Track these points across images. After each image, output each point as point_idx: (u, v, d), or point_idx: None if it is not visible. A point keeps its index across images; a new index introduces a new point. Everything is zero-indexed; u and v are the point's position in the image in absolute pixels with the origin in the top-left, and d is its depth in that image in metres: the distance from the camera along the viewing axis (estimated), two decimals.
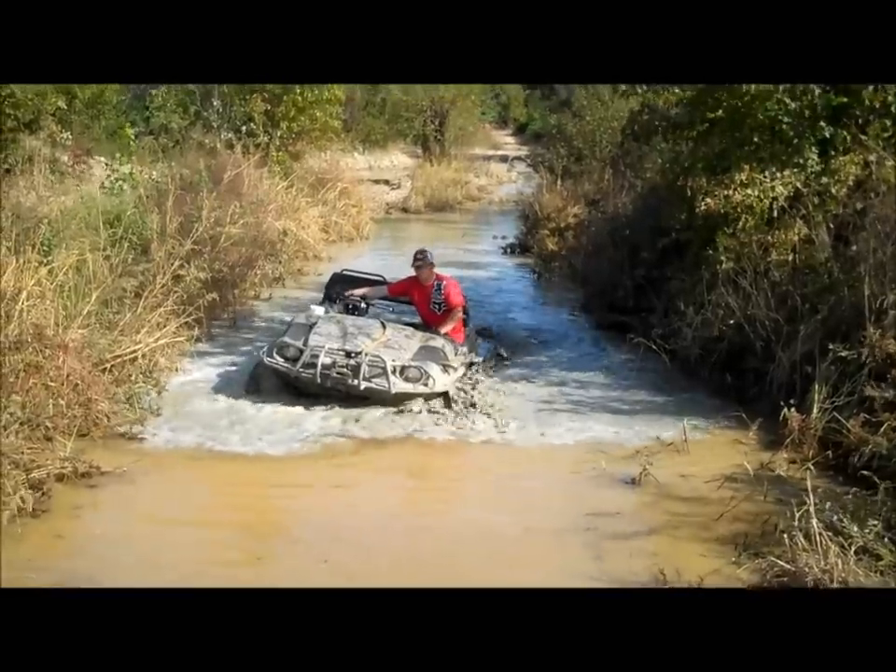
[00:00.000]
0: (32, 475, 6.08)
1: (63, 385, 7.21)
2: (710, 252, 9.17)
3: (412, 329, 8.96)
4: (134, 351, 8.50)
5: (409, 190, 24.06)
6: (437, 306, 9.19)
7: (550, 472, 7.20)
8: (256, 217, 12.94)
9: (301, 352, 8.18)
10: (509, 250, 17.78)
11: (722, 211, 8.90)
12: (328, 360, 8.05)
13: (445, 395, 8.20)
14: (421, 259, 9.18)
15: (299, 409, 8.06)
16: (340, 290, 9.61)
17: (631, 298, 11.11)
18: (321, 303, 9.44)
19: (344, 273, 10.23)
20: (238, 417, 7.89)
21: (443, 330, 8.92)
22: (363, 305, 9.36)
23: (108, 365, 8.10)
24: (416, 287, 9.33)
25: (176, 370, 8.97)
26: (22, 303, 7.79)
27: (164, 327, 9.03)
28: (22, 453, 6.19)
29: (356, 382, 7.96)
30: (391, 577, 5.26)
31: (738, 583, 5.16)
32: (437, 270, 9.41)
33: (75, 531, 5.99)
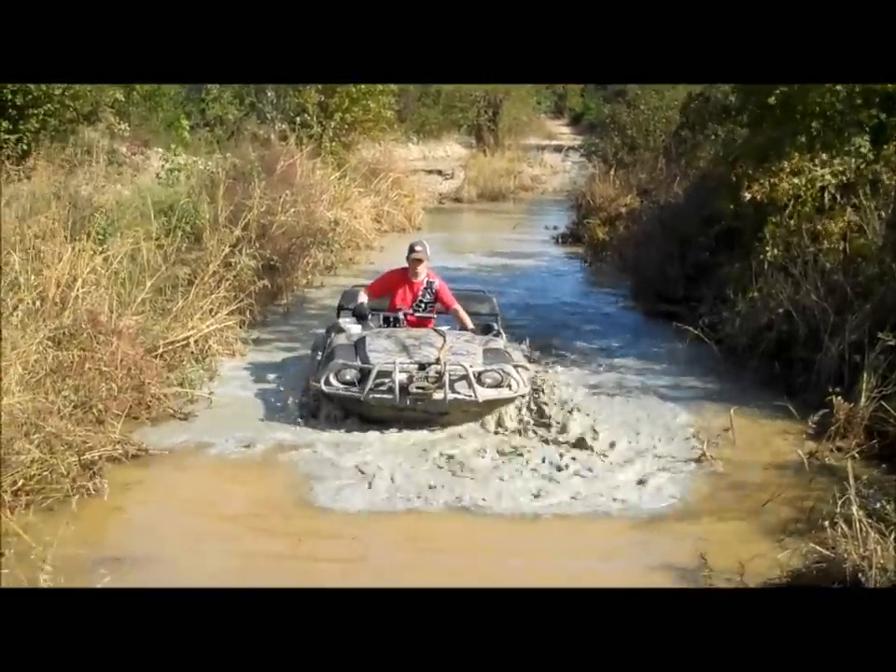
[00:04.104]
0: (84, 457, 6.22)
1: (116, 369, 7.35)
2: (759, 241, 9.13)
3: (465, 331, 8.36)
4: (187, 337, 8.65)
5: (462, 180, 24.08)
6: (421, 305, 8.51)
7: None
8: (307, 207, 13.08)
9: (365, 372, 7.40)
10: (560, 240, 17.76)
11: (769, 200, 8.84)
12: (403, 377, 7.27)
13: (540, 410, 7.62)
14: (419, 251, 8.43)
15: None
16: (362, 306, 8.51)
17: (680, 287, 11.10)
18: (340, 320, 8.68)
19: (355, 288, 9.38)
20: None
21: (470, 325, 8.45)
22: (401, 315, 8.45)
23: (161, 351, 8.24)
24: (402, 282, 8.54)
25: (232, 354, 9.12)
26: (77, 290, 7.96)
27: (216, 313, 9.16)
28: (76, 435, 6.32)
29: (440, 395, 7.22)
30: None
31: (778, 569, 5.16)
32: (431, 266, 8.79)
33: (125, 509, 6.15)
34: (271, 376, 8.67)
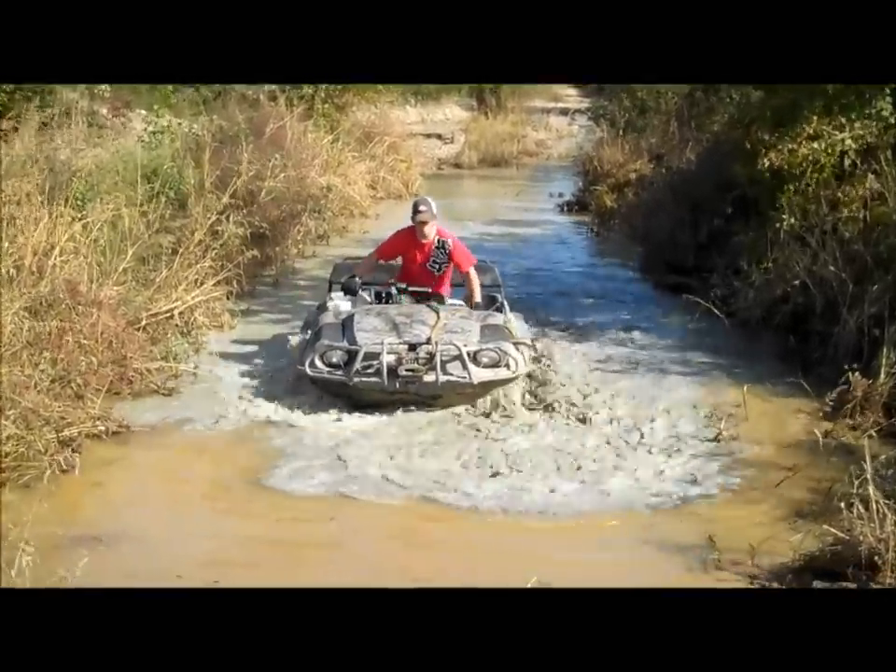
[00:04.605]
0: (63, 433, 6.25)
1: (96, 342, 7.38)
2: (776, 209, 9.13)
3: (461, 304, 8.24)
4: (171, 309, 8.68)
5: (462, 145, 24.02)
6: (436, 266, 8.32)
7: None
8: (298, 172, 13.08)
9: (352, 354, 7.32)
10: (566, 208, 17.72)
11: (786, 166, 8.83)
12: (391, 358, 7.21)
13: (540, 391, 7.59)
14: (423, 210, 8.15)
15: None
16: (352, 281, 8.36)
17: (691, 257, 11.10)
18: (331, 296, 8.60)
19: (348, 261, 9.40)
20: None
21: (478, 297, 8.25)
22: (394, 291, 8.32)
23: (144, 323, 8.27)
24: (411, 242, 8.33)
25: (219, 326, 9.18)
26: (55, 259, 7.99)
27: (202, 284, 9.19)
28: (54, 410, 6.35)
29: (432, 377, 7.15)
30: None
31: (791, 552, 5.19)
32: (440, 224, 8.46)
33: (104, 486, 6.20)
34: (259, 350, 8.70)
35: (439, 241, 8.26)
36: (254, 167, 11.56)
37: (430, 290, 8.32)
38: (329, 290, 8.87)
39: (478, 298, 8.26)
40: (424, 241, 8.25)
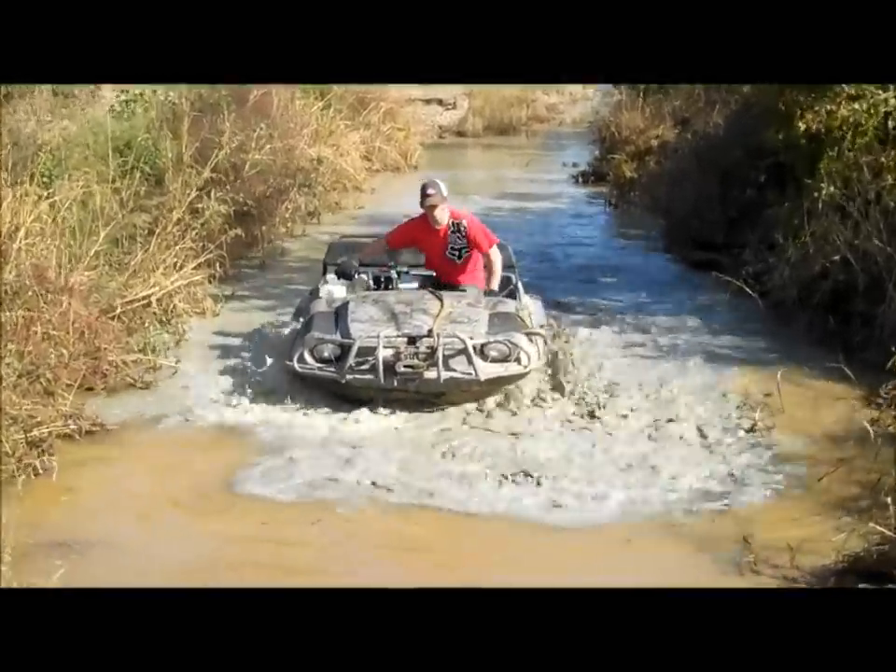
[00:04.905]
0: (32, 433, 6.26)
1: (67, 333, 7.38)
2: (813, 177, 9.12)
3: (471, 290, 8.11)
4: (148, 295, 8.70)
5: (465, 111, 24.05)
6: (456, 253, 8.17)
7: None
8: (286, 143, 13.08)
9: (345, 348, 7.25)
10: (580, 179, 17.78)
11: (825, 129, 8.83)
12: (388, 353, 7.12)
13: (559, 385, 7.51)
14: (432, 194, 8.03)
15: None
16: (348, 263, 8.42)
17: (721, 231, 11.12)
18: (326, 281, 8.51)
19: (343, 240, 9.52)
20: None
21: (496, 284, 8.16)
22: (394, 275, 8.29)
23: (119, 311, 8.28)
24: (425, 231, 8.21)
25: (201, 313, 9.24)
26: (20, 242, 7.97)
27: (182, 268, 9.21)
28: (21, 408, 6.36)
29: (434, 374, 7.05)
30: None
31: (833, 552, 5.20)
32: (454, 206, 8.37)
33: (77, 490, 6.20)
34: (245, 340, 8.69)
35: (453, 223, 8.12)
36: (237, 138, 11.55)
37: (450, 280, 8.21)
38: (324, 274, 8.75)
39: (496, 283, 8.16)
40: (437, 227, 8.12)
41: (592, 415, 7.20)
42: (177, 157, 10.73)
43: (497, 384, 7.30)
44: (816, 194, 8.94)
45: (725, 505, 6.06)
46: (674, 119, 16.56)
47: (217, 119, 11.70)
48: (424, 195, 8.05)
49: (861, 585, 4.89)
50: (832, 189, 8.82)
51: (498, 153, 21.17)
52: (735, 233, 10.74)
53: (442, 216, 8.08)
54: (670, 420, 7.17)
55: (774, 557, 5.31)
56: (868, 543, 5.17)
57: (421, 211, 8.21)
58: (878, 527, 5.14)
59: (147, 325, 8.41)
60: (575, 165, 18.53)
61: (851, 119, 8.83)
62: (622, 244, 13.20)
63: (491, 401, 7.37)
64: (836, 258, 8.59)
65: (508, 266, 8.66)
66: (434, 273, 8.33)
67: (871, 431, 6.43)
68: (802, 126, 8.98)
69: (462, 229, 8.10)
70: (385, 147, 18.19)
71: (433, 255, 8.27)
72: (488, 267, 8.22)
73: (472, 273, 8.26)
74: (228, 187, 10.83)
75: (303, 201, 13.38)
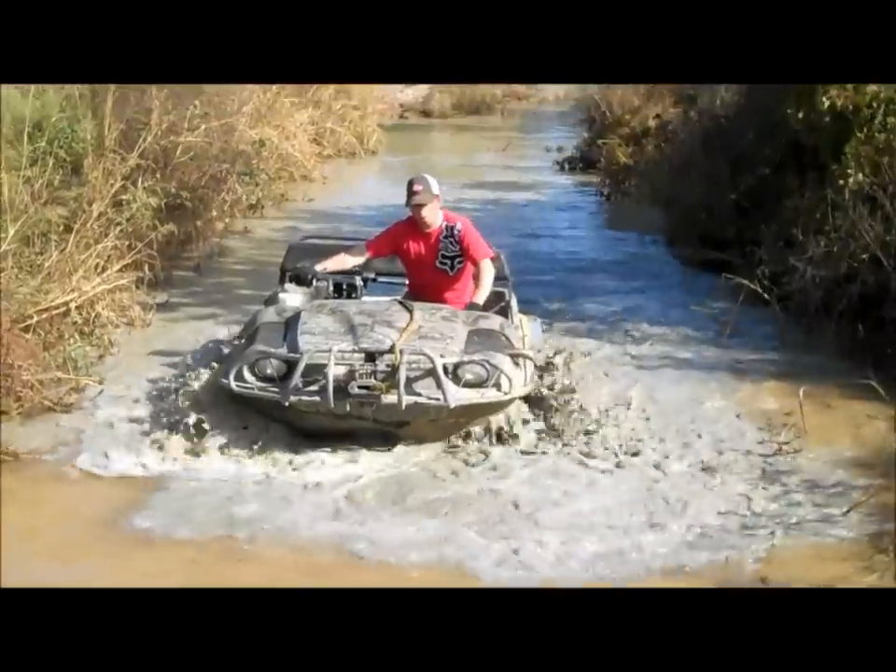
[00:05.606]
0: None
1: None
2: (839, 162, 9.24)
3: (447, 307, 7.80)
4: (66, 302, 8.69)
5: (430, 87, 24.11)
6: (448, 263, 7.94)
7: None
8: (223, 124, 13.11)
9: (291, 364, 6.99)
10: (567, 165, 17.93)
11: (852, 107, 8.93)
12: (341, 371, 6.90)
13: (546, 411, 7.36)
14: (418, 191, 7.81)
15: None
16: (305, 266, 8.20)
17: (731, 226, 11.28)
18: (284, 290, 8.35)
19: (307, 241, 9.46)
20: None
21: (481, 299, 7.83)
22: (359, 282, 8.23)
23: (33, 321, 8.28)
24: (411, 236, 8.00)
25: (129, 323, 9.29)
26: None
27: (105, 270, 9.24)
28: None
29: (393, 398, 6.78)
30: None
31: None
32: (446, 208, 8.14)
33: None
34: (180, 357, 8.65)
35: (446, 227, 7.93)
36: (167, 118, 11.62)
37: (437, 297, 7.96)
38: (281, 281, 8.62)
39: (482, 298, 7.87)
40: (427, 230, 7.94)
41: (592, 454, 7.10)
42: (98, 140, 10.75)
43: (472, 413, 7.09)
44: (842, 182, 9.06)
45: (738, 543, 6.07)
46: (675, 96, 16.67)
47: (143, 96, 11.73)
48: (410, 192, 7.83)
49: None
50: (860, 176, 8.92)
51: (470, 136, 21.32)
52: (747, 228, 10.87)
53: (434, 217, 7.91)
54: (678, 453, 7.20)
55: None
56: None
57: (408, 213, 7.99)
58: None
59: (66, 337, 8.42)
60: (560, 150, 18.69)
61: (882, 95, 8.92)
62: (616, 241, 13.31)
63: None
64: (865, 256, 8.69)
65: (500, 278, 8.46)
66: (406, 283, 8.26)
67: None
68: (826, 102, 9.07)
69: (456, 233, 7.90)
70: (337, 128, 18.27)
71: (421, 264, 8.03)
72: (476, 279, 7.95)
73: (464, 290, 8.04)
74: (157, 175, 10.92)
75: (244, 191, 13.40)
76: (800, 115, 9.93)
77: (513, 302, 8.47)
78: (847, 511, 6.31)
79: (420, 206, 7.80)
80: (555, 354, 8.33)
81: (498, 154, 18.74)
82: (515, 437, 7.20)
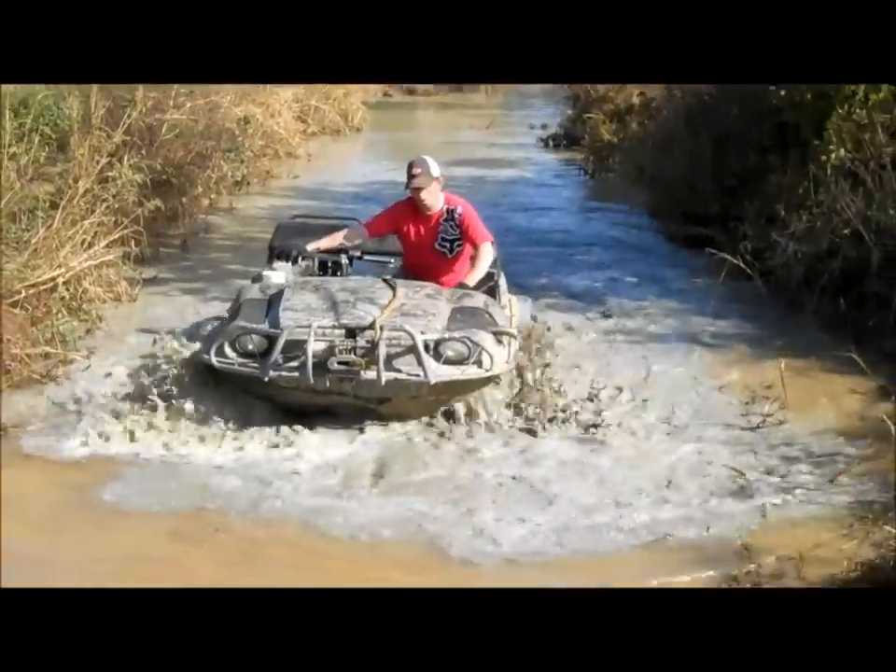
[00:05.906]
0: None
1: None
2: (821, 138, 9.30)
3: (431, 284, 7.76)
4: (54, 278, 8.74)
5: None
6: (447, 245, 7.92)
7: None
8: (208, 101, 13.14)
9: (271, 340, 6.98)
10: (551, 142, 17.96)
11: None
12: (321, 346, 6.90)
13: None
14: (417, 174, 7.76)
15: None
16: (294, 245, 8.27)
17: (715, 202, 11.32)
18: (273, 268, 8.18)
19: (296, 219, 9.39)
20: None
21: (472, 281, 7.79)
22: (344, 260, 8.27)
23: (21, 297, 8.33)
24: (411, 218, 7.97)
25: (117, 298, 9.35)
26: None
27: (92, 246, 9.28)
28: None
29: (373, 374, 6.80)
30: None
31: (844, 561, 5.38)
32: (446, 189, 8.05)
33: None
34: (168, 328, 8.70)
35: (447, 210, 7.88)
36: (152, 95, 11.64)
37: (433, 279, 7.90)
38: (270, 260, 8.54)
39: (474, 280, 7.83)
40: (428, 213, 7.89)
41: (587, 429, 7.18)
42: (84, 117, 10.75)
43: (452, 390, 7.11)
44: (824, 158, 9.11)
45: (722, 513, 6.16)
46: None
47: None
48: (409, 175, 7.78)
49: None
50: (842, 152, 8.96)
51: (454, 113, 21.33)
52: (731, 205, 10.90)
53: (434, 200, 7.85)
54: (663, 422, 7.33)
55: (778, 567, 5.47)
56: (885, 550, 5.31)
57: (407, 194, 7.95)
58: (894, 532, 5.30)
59: (53, 312, 8.47)
60: (544, 127, 18.73)
61: None
62: (600, 217, 13.34)
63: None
64: (847, 231, 8.75)
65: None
66: (394, 261, 8.33)
67: (893, 427, 6.31)
68: None
69: (456, 217, 7.86)
70: (322, 106, 18.25)
71: (419, 246, 7.99)
72: (472, 260, 7.94)
73: (461, 273, 7.97)
74: (143, 152, 10.94)
75: (229, 168, 13.42)
76: (782, 92, 9.99)
77: (502, 282, 8.43)
78: (832, 481, 6.42)
79: (419, 189, 7.75)
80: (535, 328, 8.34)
81: (482, 131, 18.74)
82: (492, 414, 7.24)
